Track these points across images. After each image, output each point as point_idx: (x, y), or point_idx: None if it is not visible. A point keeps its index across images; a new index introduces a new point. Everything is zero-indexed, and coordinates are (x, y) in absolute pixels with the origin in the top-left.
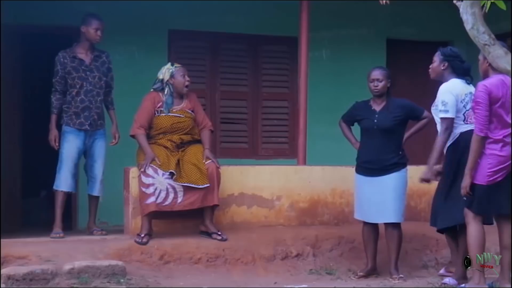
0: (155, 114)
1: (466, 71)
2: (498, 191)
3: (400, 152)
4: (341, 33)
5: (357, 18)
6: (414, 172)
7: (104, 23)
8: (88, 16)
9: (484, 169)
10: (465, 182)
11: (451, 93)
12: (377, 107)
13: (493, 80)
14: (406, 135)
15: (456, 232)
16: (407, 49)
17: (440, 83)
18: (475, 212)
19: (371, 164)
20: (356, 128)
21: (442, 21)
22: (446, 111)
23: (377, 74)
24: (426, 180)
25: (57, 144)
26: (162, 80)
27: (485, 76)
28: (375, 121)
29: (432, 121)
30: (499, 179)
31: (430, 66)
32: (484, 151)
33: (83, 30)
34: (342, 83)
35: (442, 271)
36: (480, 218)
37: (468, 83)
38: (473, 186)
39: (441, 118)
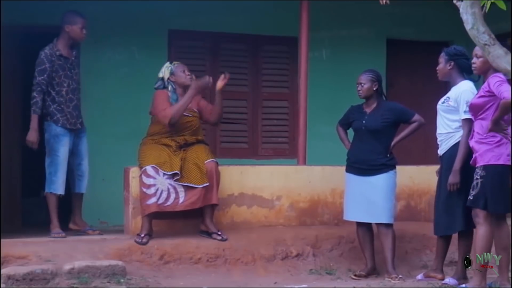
0: None
1: None
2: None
3: (389, 154)
4: (341, 33)
5: (357, 18)
6: (415, 172)
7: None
8: (72, 14)
9: (507, 149)
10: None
11: (473, 94)
12: (368, 109)
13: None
14: (396, 139)
15: (450, 238)
16: (407, 49)
17: (448, 83)
18: (490, 211)
19: (359, 164)
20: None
21: (442, 21)
22: None
23: (361, 78)
24: (454, 185)
25: (37, 146)
26: (163, 78)
27: (485, 76)
28: (364, 122)
29: (423, 125)
30: None
31: (437, 68)
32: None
33: (68, 29)
34: (342, 83)
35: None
36: (491, 219)
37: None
38: (493, 168)
39: (465, 120)
